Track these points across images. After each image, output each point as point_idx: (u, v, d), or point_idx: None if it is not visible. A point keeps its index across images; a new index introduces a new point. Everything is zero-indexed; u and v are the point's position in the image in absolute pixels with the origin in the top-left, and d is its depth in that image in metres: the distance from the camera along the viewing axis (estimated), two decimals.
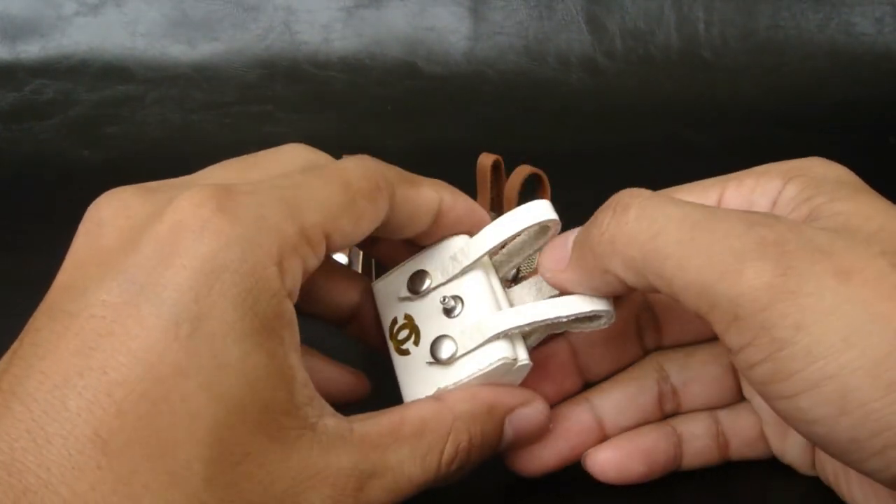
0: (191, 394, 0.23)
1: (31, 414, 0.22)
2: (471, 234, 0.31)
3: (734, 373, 0.33)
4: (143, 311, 0.23)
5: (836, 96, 0.70)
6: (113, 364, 0.23)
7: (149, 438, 0.22)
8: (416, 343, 0.31)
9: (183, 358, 0.23)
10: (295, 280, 0.26)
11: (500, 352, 0.29)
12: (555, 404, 0.32)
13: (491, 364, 0.29)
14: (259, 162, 0.29)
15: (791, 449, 0.32)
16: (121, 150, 0.66)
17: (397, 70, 0.70)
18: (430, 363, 0.30)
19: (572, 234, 0.29)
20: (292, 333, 0.26)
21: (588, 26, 0.72)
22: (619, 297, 0.30)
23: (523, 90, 0.70)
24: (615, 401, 0.32)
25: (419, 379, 0.30)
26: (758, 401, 0.33)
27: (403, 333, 0.31)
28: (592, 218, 0.28)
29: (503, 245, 0.31)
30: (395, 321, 0.32)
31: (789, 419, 0.25)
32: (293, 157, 0.29)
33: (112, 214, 0.26)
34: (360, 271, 0.43)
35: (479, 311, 0.30)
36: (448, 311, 0.30)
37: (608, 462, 0.31)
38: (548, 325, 0.29)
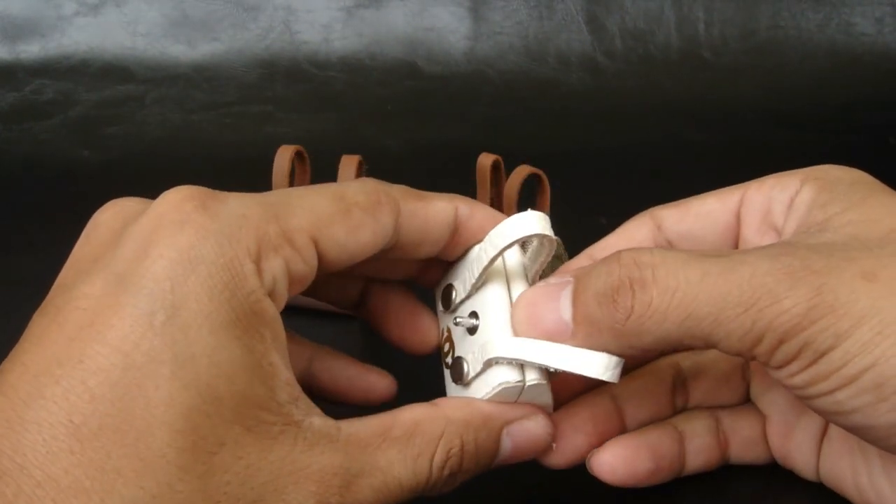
0: (164, 381, 0.23)
1: (10, 403, 0.23)
2: None
3: (742, 372, 0.33)
4: (121, 301, 0.24)
5: (836, 96, 0.70)
6: (90, 353, 0.23)
7: (121, 425, 0.23)
8: (451, 358, 0.30)
9: (157, 346, 0.23)
10: (276, 281, 0.26)
11: (501, 376, 0.28)
12: (576, 396, 0.32)
13: (493, 389, 0.28)
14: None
15: (796, 451, 0.32)
16: (121, 150, 0.66)
17: (397, 70, 0.70)
18: (458, 384, 0.30)
19: (562, 295, 0.28)
20: (274, 333, 0.26)
21: (588, 26, 0.72)
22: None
23: (523, 90, 0.70)
24: (634, 392, 0.33)
25: (451, 394, 0.30)
26: (764, 401, 0.33)
27: (446, 346, 0.31)
28: (601, 296, 0.27)
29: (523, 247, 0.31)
30: (442, 332, 0.32)
31: (828, 413, 0.26)
32: None
33: (110, 216, 0.27)
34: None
35: (489, 330, 0.29)
36: (470, 330, 0.30)
37: (616, 459, 0.31)
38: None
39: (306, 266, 0.27)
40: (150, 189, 0.28)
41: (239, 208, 0.26)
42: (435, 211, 0.30)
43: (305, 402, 0.26)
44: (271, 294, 0.26)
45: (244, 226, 0.25)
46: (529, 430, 0.29)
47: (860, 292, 0.25)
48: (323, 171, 0.43)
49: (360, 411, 0.28)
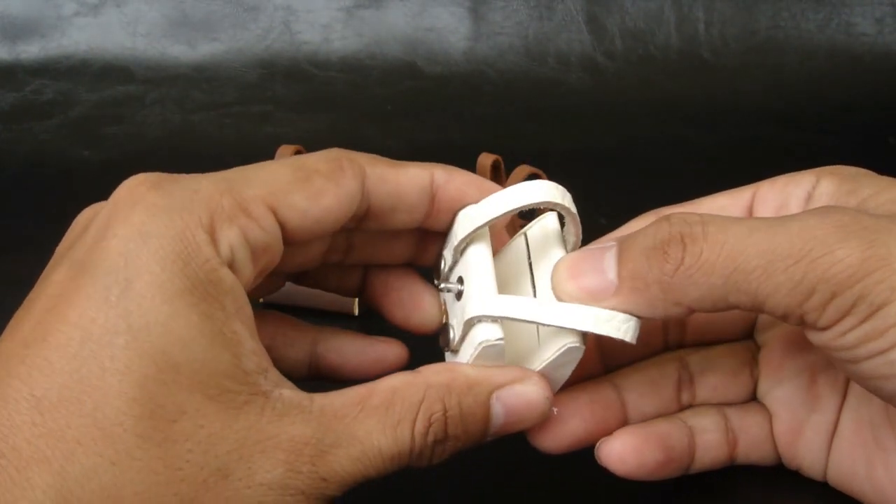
0: (119, 351, 0.24)
1: None
2: None
3: (750, 368, 0.33)
4: (81, 282, 0.25)
5: (836, 96, 0.70)
6: (52, 331, 0.24)
7: (80, 395, 0.23)
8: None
9: (113, 318, 0.24)
10: (234, 250, 0.26)
11: (482, 334, 0.27)
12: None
13: (475, 349, 0.27)
14: None
15: (804, 448, 0.32)
16: (121, 150, 0.66)
17: (397, 70, 0.70)
18: (447, 351, 0.29)
19: (606, 255, 0.27)
20: (237, 302, 0.26)
21: (588, 26, 0.72)
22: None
23: (523, 90, 0.70)
24: (637, 383, 0.32)
25: None
26: (772, 398, 0.32)
27: (444, 319, 0.30)
28: (650, 250, 0.27)
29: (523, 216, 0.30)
30: (442, 306, 0.31)
31: (875, 378, 0.26)
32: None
33: (83, 216, 0.28)
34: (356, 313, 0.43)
35: (472, 291, 0.28)
36: (457, 295, 0.29)
37: (626, 448, 0.30)
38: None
39: (266, 234, 0.27)
40: None
41: (191, 184, 0.26)
42: (408, 177, 0.30)
43: (275, 373, 0.26)
44: (231, 265, 0.26)
45: (195, 199, 0.26)
46: (523, 394, 0.28)
47: None
48: None
49: None
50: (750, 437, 0.33)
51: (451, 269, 0.30)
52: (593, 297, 0.27)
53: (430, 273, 0.33)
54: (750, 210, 0.31)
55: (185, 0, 0.71)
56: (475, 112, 0.69)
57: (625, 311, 0.27)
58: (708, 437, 0.32)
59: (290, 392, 0.26)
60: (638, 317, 0.27)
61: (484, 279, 0.28)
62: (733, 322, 0.34)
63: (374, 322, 0.44)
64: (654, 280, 0.26)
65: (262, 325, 0.29)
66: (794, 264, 0.25)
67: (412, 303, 0.33)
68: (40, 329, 0.24)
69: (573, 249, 0.30)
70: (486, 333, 0.27)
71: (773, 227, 0.26)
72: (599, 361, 0.33)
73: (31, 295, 0.26)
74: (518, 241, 0.31)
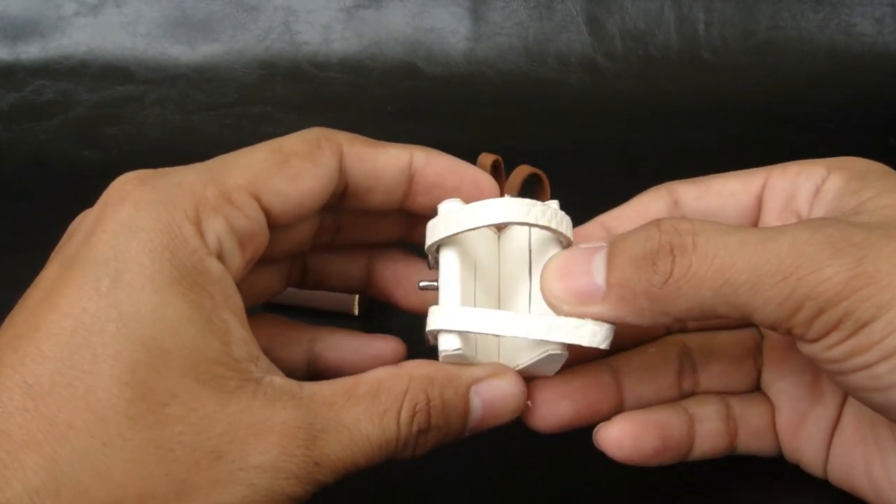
0: (110, 338, 0.24)
1: None
2: (464, 198, 0.30)
3: (754, 358, 0.33)
4: (72, 275, 0.25)
5: (836, 96, 0.70)
6: (44, 321, 0.25)
7: (72, 381, 0.24)
8: None
9: (104, 308, 0.25)
10: (222, 240, 0.27)
11: (443, 344, 0.28)
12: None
13: (441, 357, 0.28)
14: None
15: (805, 442, 0.32)
16: (121, 150, 0.66)
17: (397, 70, 0.70)
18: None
19: (595, 258, 0.27)
20: (224, 292, 0.26)
21: (588, 27, 0.72)
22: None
23: (523, 90, 0.70)
24: (636, 367, 0.32)
25: None
26: (776, 390, 0.32)
27: None
28: (639, 259, 0.26)
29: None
30: None
31: (863, 390, 0.26)
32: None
33: (78, 219, 0.29)
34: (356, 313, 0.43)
35: (438, 301, 0.29)
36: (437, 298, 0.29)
37: (623, 433, 0.31)
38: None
39: (250, 222, 0.28)
40: None
41: (176, 178, 0.27)
42: (387, 157, 0.30)
43: (266, 362, 0.27)
44: (220, 255, 0.27)
45: (180, 192, 0.26)
46: (498, 388, 0.29)
47: None
48: None
49: None
50: (751, 427, 0.33)
51: (435, 265, 0.30)
52: (580, 300, 0.27)
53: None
54: (759, 198, 0.31)
55: (185, 0, 0.71)
56: (475, 112, 0.69)
57: (611, 318, 0.27)
58: (708, 426, 0.32)
59: (280, 379, 0.26)
60: (622, 322, 0.27)
61: (448, 290, 0.29)
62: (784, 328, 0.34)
63: (375, 321, 0.44)
64: (642, 291, 0.26)
65: (260, 327, 0.29)
66: (782, 280, 0.25)
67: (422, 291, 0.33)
68: (32, 320, 0.25)
69: (566, 247, 0.30)
70: (445, 344, 0.28)
71: (763, 240, 0.26)
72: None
73: (25, 293, 0.27)
74: (524, 230, 0.31)
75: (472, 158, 0.43)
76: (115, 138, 0.66)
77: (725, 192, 0.31)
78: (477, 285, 0.30)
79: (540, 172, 0.44)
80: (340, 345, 0.33)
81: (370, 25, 0.71)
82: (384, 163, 0.30)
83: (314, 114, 0.69)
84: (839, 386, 0.27)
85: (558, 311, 0.28)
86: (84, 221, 0.27)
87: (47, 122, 0.67)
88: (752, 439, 0.33)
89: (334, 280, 0.34)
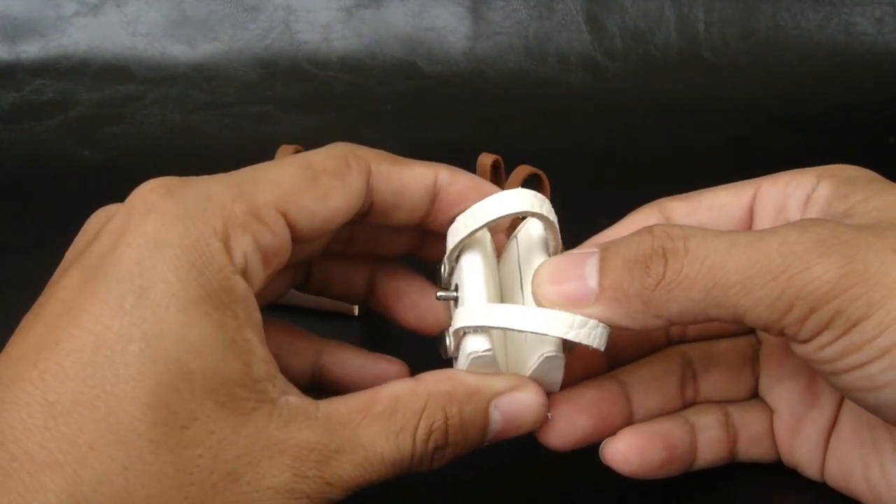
0: (134, 358, 0.24)
1: None
2: None
3: (752, 365, 0.33)
4: (94, 289, 0.25)
5: (836, 96, 0.70)
6: (65, 336, 0.24)
7: (93, 401, 0.23)
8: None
9: (127, 326, 0.24)
10: (248, 258, 0.26)
11: (471, 346, 0.28)
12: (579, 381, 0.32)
13: (467, 360, 0.28)
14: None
15: (802, 446, 0.32)
16: (121, 150, 0.66)
17: (397, 70, 0.70)
18: (443, 357, 0.29)
19: (587, 262, 0.28)
20: (247, 310, 0.26)
21: (588, 26, 0.72)
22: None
23: (523, 90, 0.70)
24: (642, 379, 0.32)
25: None
26: (773, 395, 0.33)
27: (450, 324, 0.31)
28: (632, 262, 0.27)
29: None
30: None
31: (855, 390, 0.26)
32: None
33: (95, 221, 0.28)
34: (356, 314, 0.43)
35: (462, 301, 0.29)
36: (455, 302, 0.29)
37: (630, 447, 0.31)
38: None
39: (277, 239, 0.27)
40: None
41: (204, 191, 0.26)
42: (412, 175, 0.30)
43: (282, 380, 0.26)
44: (244, 272, 0.26)
45: (209, 207, 0.26)
46: (519, 401, 0.28)
47: (890, 264, 0.24)
48: None
49: None
50: (750, 434, 0.33)
51: (450, 275, 0.31)
52: (573, 303, 0.27)
53: (433, 270, 0.32)
54: (750, 209, 0.31)
55: (185, 0, 0.71)
56: (475, 112, 0.69)
57: (604, 320, 0.27)
58: (709, 435, 0.32)
59: (296, 399, 0.26)
60: (615, 325, 0.27)
61: (473, 289, 0.29)
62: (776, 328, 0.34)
63: (375, 322, 0.44)
64: (634, 293, 0.27)
65: (269, 333, 0.29)
66: (772, 280, 0.25)
67: (425, 303, 0.33)
68: (52, 334, 0.24)
69: (554, 255, 0.30)
70: (475, 345, 0.28)
71: (752, 242, 0.26)
72: (603, 357, 0.33)
73: (41, 299, 0.26)
74: (513, 244, 0.31)
75: (472, 158, 0.43)
76: (115, 138, 0.66)
77: (716, 205, 0.32)
78: (493, 289, 0.30)
79: (540, 172, 0.44)
80: (346, 361, 0.33)
81: (370, 25, 0.71)
82: (410, 181, 0.30)
83: (314, 113, 0.69)
84: (834, 387, 0.27)
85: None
86: (105, 228, 0.27)
87: (47, 121, 0.67)
88: (752, 446, 0.33)
89: (337, 289, 0.34)
